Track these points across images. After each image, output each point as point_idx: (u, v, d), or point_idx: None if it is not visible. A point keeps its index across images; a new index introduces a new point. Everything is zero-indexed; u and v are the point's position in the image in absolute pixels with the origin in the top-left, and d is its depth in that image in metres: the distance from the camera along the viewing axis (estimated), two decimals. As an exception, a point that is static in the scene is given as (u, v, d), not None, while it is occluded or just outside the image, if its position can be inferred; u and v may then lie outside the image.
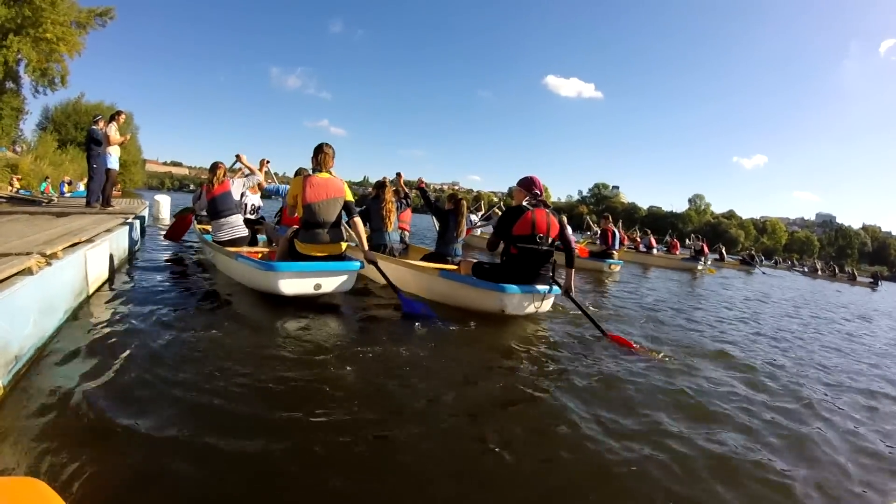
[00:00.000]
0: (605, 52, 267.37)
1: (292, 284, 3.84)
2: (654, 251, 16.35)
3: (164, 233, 7.12)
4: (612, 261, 10.68)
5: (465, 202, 5.69)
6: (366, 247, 4.12)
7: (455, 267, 4.88)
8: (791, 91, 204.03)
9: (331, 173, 4.09)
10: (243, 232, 5.17)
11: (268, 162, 6.53)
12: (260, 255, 4.84)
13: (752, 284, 13.46)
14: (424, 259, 5.49)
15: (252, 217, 6.26)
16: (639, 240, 16.73)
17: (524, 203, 4.18)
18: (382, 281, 4.37)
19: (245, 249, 4.86)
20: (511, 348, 3.43)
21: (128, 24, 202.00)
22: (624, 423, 2.31)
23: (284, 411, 2.02)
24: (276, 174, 7.53)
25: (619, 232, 13.29)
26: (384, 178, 5.94)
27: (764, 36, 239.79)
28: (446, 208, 5.66)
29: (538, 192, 4.20)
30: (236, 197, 5.28)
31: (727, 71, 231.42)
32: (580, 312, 4.26)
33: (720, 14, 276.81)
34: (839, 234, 75.38)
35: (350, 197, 4.10)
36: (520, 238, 4.05)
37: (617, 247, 11.33)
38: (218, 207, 5.08)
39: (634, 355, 3.53)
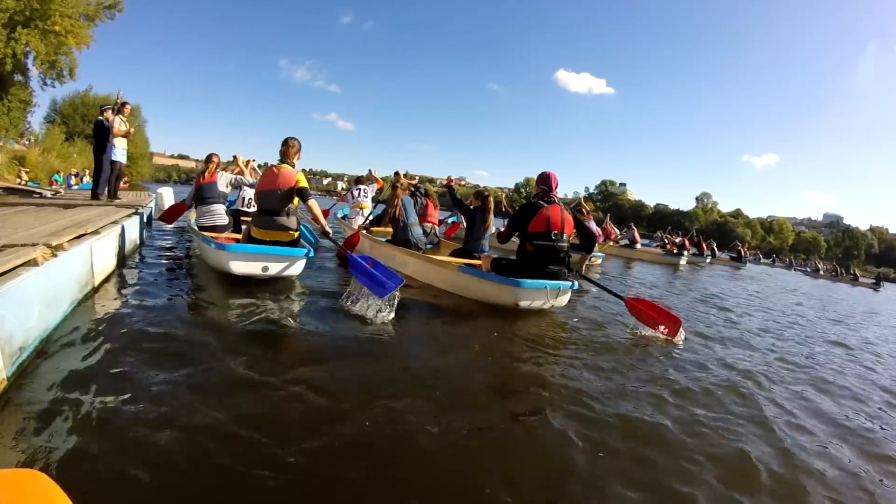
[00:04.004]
0: (618, 47, 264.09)
1: (241, 265, 4.14)
2: (638, 246, 16.59)
3: (158, 216, 7.56)
4: (592, 253, 10.71)
5: (491, 199, 5.78)
6: (322, 222, 4.44)
7: (478, 262, 4.99)
8: (806, 90, 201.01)
9: (293, 165, 4.37)
10: (223, 220, 5.54)
11: (253, 160, 7.11)
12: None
13: (724, 281, 13.35)
14: (452, 255, 5.64)
15: (246, 209, 6.60)
16: (623, 233, 17.22)
17: (534, 199, 4.32)
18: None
19: (223, 236, 5.09)
20: (520, 343, 3.44)
21: (136, 15, 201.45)
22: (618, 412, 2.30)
23: (283, 405, 2.03)
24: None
25: (605, 227, 14.17)
26: (396, 179, 6.37)
27: (781, 34, 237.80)
28: (472, 206, 5.75)
29: (546, 188, 4.36)
30: (221, 188, 5.67)
31: (741, 69, 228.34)
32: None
33: (736, 11, 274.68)
34: (846, 235, 74.55)
35: (304, 183, 4.33)
36: (536, 235, 4.21)
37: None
38: (203, 195, 5.52)
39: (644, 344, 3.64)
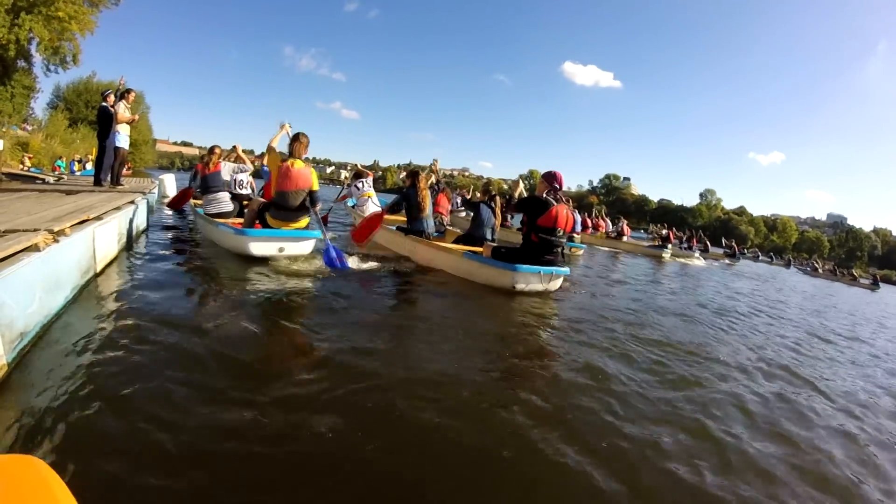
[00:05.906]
0: (627, 41, 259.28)
1: (260, 247, 4.72)
2: (625, 238, 17.25)
3: (166, 202, 8.12)
4: (572, 244, 10.90)
5: (498, 197, 6.47)
6: (321, 226, 5.16)
7: (480, 249, 5.50)
8: (814, 88, 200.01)
9: (303, 162, 4.82)
10: (229, 207, 5.95)
11: (238, 146, 7.38)
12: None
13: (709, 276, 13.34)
14: (457, 241, 6.24)
15: (239, 191, 6.71)
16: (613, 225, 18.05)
17: (545, 195, 4.74)
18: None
19: (230, 221, 5.43)
20: (518, 324, 3.46)
21: (140, 2, 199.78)
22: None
23: (286, 389, 2.02)
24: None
25: (595, 219, 16.04)
26: (417, 168, 6.83)
27: (790, 31, 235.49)
28: (479, 199, 6.45)
29: (557, 186, 4.77)
30: (225, 177, 6.18)
31: (750, 66, 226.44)
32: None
33: (747, 8, 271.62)
34: (850, 235, 74.14)
35: (316, 186, 4.93)
36: (542, 229, 4.70)
37: (577, 229, 11.73)
38: (209, 184, 5.97)
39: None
